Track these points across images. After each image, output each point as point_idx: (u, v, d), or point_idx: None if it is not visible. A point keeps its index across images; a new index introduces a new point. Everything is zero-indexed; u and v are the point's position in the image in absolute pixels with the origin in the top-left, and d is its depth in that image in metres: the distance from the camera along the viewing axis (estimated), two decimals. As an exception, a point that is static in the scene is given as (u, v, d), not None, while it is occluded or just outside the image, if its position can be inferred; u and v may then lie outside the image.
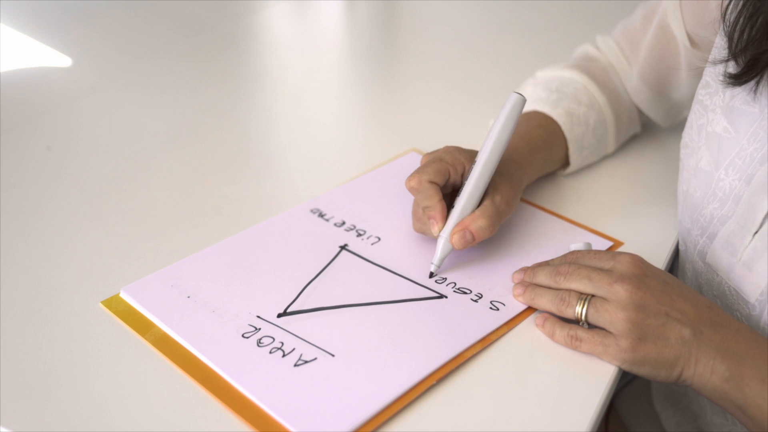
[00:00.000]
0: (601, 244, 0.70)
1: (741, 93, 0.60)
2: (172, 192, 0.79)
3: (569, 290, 0.58)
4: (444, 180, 0.66)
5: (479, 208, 0.65)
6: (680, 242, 0.71)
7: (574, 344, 0.57)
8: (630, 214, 0.74)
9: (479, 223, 0.64)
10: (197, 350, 0.57)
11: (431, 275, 0.65)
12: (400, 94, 1.08)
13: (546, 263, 0.62)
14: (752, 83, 0.58)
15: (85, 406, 0.53)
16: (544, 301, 0.59)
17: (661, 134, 0.90)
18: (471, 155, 0.68)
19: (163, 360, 0.57)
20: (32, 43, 1.17)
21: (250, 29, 1.32)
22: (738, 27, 0.57)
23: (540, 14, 1.34)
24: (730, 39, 0.58)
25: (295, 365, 0.56)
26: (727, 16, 0.59)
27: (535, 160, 0.74)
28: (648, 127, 0.91)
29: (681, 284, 0.57)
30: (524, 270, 0.63)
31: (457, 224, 0.64)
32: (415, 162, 0.83)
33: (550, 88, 0.81)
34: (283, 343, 0.58)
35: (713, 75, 0.64)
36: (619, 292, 0.55)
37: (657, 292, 0.55)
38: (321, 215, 0.74)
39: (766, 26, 0.55)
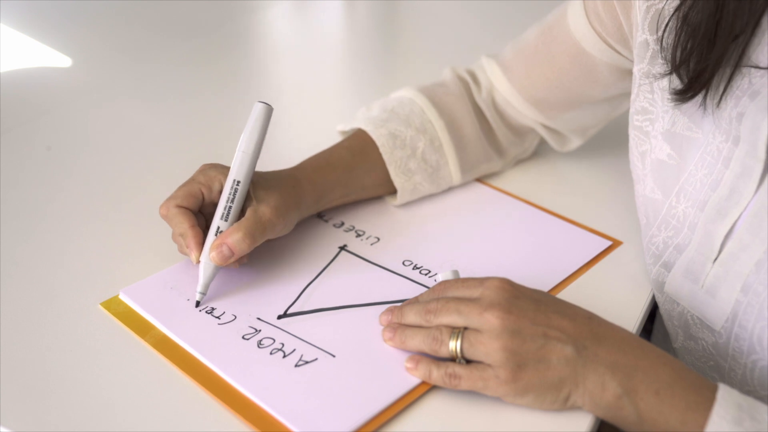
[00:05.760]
0: (601, 244, 0.71)
1: (681, 119, 0.59)
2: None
3: (441, 327, 0.54)
4: (196, 202, 0.63)
5: (239, 221, 0.61)
6: None
7: (453, 383, 0.53)
8: (630, 212, 0.74)
9: (234, 237, 0.60)
10: (198, 352, 0.57)
11: (197, 304, 0.61)
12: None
13: (415, 300, 0.58)
14: (699, 99, 0.56)
15: (85, 406, 0.53)
16: (416, 342, 0.55)
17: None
18: (227, 171, 0.63)
19: (163, 361, 0.57)
20: (32, 43, 1.18)
21: (250, 30, 1.32)
22: (680, 42, 0.55)
23: (541, 14, 1.34)
24: (673, 58, 0.57)
25: (296, 366, 0.56)
26: (661, 37, 0.58)
27: (326, 180, 0.70)
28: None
29: (556, 300, 0.55)
30: (391, 311, 0.58)
31: (217, 238, 0.61)
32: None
33: (385, 108, 0.77)
34: (283, 344, 0.58)
35: (651, 101, 0.62)
36: (491, 320, 0.51)
37: (531, 313, 0.52)
38: (320, 216, 0.74)
39: (705, 37, 0.53)
